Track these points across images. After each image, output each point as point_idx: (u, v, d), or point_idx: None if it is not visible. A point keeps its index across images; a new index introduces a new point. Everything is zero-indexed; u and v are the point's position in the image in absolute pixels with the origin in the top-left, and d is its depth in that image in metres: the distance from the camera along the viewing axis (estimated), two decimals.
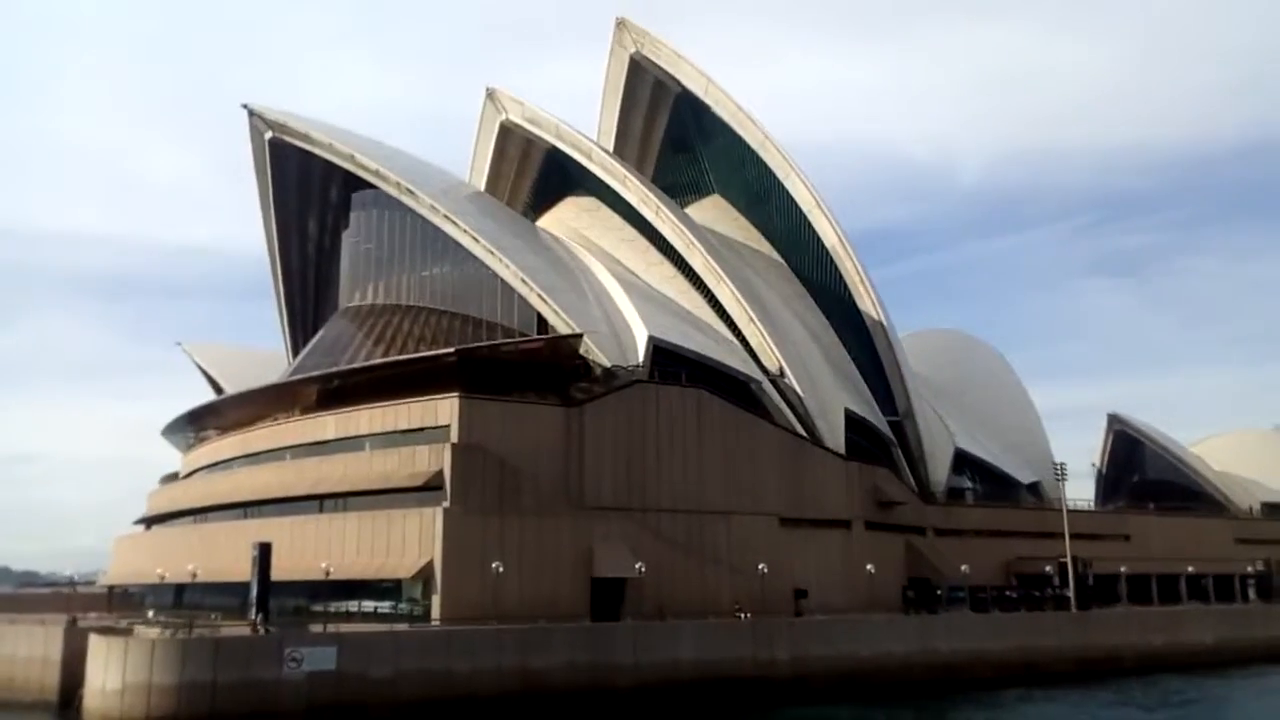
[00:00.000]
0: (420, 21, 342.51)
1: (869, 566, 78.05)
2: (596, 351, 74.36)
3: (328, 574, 62.45)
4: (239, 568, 68.10)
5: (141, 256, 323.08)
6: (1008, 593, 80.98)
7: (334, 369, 73.98)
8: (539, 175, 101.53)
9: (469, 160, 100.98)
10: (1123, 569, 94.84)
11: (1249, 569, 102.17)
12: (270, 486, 72.29)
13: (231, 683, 44.68)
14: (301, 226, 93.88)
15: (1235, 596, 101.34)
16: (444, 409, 67.45)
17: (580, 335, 72.08)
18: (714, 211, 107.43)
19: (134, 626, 54.29)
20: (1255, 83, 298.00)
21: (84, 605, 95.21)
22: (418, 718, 47.80)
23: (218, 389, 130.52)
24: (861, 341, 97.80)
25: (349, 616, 62.50)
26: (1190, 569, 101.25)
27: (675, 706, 54.07)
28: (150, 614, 62.75)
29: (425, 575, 60.49)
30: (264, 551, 54.37)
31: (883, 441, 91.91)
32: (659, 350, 76.89)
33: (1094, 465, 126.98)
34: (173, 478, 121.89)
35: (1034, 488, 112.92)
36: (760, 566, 70.16)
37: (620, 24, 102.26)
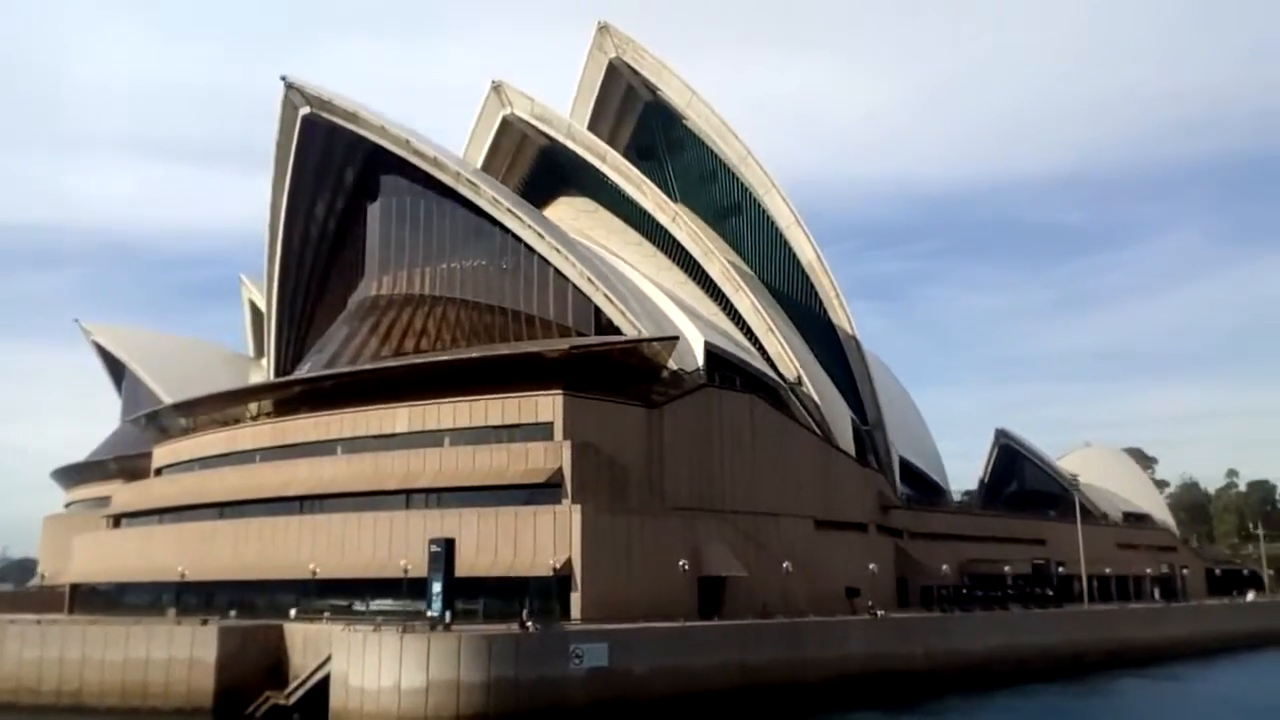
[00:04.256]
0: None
1: (879, 566, 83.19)
2: (664, 354, 75.65)
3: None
4: (297, 565, 65.80)
5: None
6: (995, 593, 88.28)
7: (419, 360, 71.80)
8: (529, 173, 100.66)
9: (460, 152, 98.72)
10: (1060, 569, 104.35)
11: (1164, 569, 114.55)
12: (337, 480, 69.20)
13: (531, 679, 43.99)
14: (310, 211, 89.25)
15: (1130, 596, 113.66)
16: (544, 405, 66.99)
17: (675, 338, 73.34)
18: None
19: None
20: (1012, 133, 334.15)
21: (29, 605, 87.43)
22: (667, 712, 48.39)
23: (117, 373, 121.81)
24: (831, 354, 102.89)
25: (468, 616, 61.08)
26: (1096, 570, 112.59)
27: (847, 699, 56.81)
28: (325, 615, 59.47)
29: (564, 574, 60.08)
30: (448, 547, 52.80)
31: (863, 449, 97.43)
32: (708, 355, 79.00)
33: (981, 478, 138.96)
34: (88, 469, 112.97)
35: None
36: (871, 569, 75.24)
37: (602, 28, 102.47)
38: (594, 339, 73.54)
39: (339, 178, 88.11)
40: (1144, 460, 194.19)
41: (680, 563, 60.05)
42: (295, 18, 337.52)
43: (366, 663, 44.41)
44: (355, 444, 71.32)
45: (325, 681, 47.79)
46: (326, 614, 60.06)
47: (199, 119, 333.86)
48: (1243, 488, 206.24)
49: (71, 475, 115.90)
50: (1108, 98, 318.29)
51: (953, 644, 66.56)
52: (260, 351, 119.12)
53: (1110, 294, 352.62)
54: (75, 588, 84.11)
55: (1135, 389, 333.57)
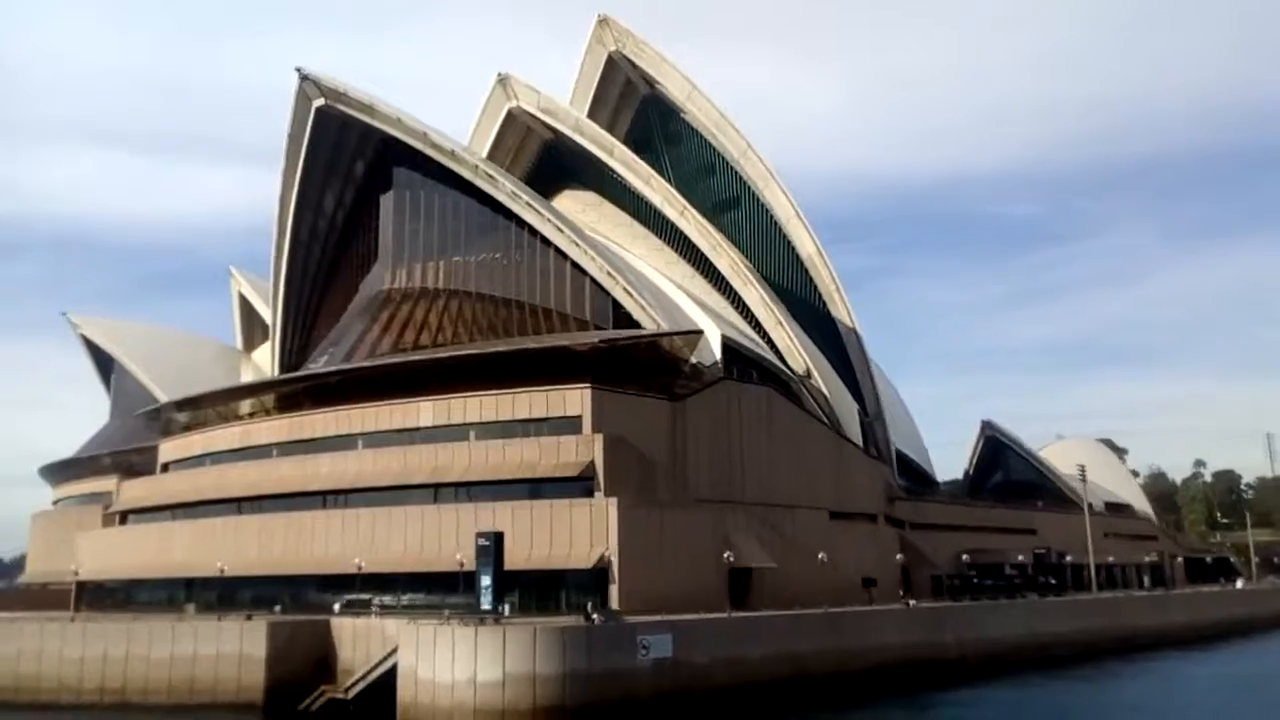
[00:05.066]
0: None
1: (888, 556, 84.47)
2: (687, 349, 76.03)
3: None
4: (326, 560, 65.60)
5: None
6: (1002, 582, 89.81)
7: (445, 353, 71.46)
8: (532, 167, 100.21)
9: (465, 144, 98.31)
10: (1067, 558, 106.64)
11: (1154, 557, 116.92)
12: (363, 475, 68.87)
13: (602, 671, 44.24)
14: (319, 204, 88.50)
15: (1119, 584, 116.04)
16: (573, 398, 67.11)
17: (699, 332, 73.72)
18: None
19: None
20: (954, 129, 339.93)
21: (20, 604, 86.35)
22: (727, 702, 48.90)
23: (105, 368, 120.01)
24: (831, 346, 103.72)
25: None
26: (1086, 559, 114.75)
27: (891, 687, 57.65)
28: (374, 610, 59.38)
29: (602, 566, 60.26)
30: (497, 541, 52.99)
31: (867, 441, 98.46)
32: (724, 349, 79.41)
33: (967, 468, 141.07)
34: (79, 464, 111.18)
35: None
36: (899, 559, 77.09)
37: (602, 21, 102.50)
38: (623, 333, 73.70)
39: (349, 170, 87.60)
40: (1115, 450, 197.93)
41: (725, 554, 60.48)
42: (284, 12, 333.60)
43: (438, 656, 44.33)
44: (376, 438, 71.09)
45: (387, 675, 47.66)
46: (375, 609, 59.94)
47: (171, 111, 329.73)
48: (1209, 478, 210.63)
49: (61, 471, 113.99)
50: (1066, 95, 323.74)
51: (981, 632, 67.72)
52: (250, 345, 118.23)
53: (1067, 287, 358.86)
54: (81, 585, 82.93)
55: (1092, 380, 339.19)
